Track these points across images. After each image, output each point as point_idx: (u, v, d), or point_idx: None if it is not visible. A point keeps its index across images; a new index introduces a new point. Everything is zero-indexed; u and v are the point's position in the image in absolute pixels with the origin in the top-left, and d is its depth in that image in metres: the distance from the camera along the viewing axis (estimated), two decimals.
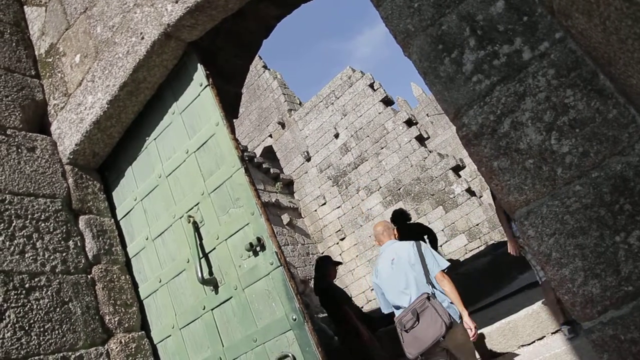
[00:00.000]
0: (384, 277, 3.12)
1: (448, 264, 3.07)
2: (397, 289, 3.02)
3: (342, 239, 14.30)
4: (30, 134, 2.99)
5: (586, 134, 1.38)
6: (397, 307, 3.04)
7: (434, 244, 6.25)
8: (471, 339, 2.91)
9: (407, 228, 5.88)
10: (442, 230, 12.39)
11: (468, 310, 3.00)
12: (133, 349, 2.68)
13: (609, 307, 1.32)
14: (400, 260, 3.07)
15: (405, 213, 5.75)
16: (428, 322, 2.80)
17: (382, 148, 13.71)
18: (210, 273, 2.56)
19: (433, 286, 2.95)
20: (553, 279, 1.42)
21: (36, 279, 2.50)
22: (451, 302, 2.93)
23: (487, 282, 6.67)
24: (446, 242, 12.32)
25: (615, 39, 1.05)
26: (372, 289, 12.94)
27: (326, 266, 4.72)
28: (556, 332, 3.77)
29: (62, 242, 2.73)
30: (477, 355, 3.02)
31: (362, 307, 12.32)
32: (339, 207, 14.44)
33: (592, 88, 1.39)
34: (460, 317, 2.92)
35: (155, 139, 2.94)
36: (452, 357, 3.01)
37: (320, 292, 4.74)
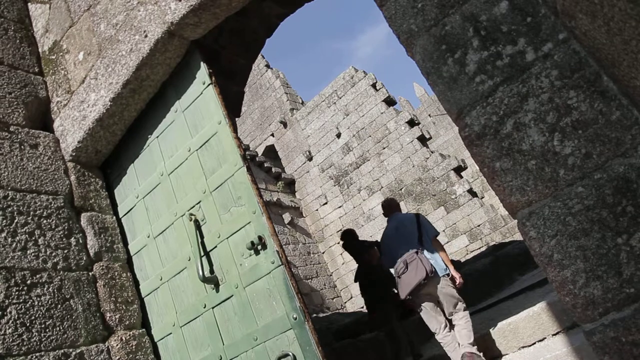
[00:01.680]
0: (389, 239, 3.95)
1: (439, 232, 3.98)
2: (397, 247, 3.81)
3: None
4: (33, 130, 3.00)
5: (589, 135, 1.38)
6: (397, 259, 3.78)
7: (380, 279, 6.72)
8: (457, 285, 3.72)
9: (355, 245, 6.37)
10: (444, 230, 12.37)
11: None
12: (134, 347, 2.69)
13: (610, 309, 1.32)
14: (402, 227, 3.90)
15: (355, 234, 6.21)
16: (414, 270, 3.59)
17: (384, 148, 13.71)
18: (212, 271, 2.57)
19: (422, 246, 3.73)
20: (554, 281, 1.42)
21: (38, 276, 2.50)
22: (442, 262, 3.74)
23: (488, 283, 6.66)
24: (447, 242, 12.30)
25: (619, 40, 1.05)
26: None
27: (352, 236, 5.23)
28: (557, 333, 3.76)
29: (64, 239, 2.74)
30: (464, 306, 3.71)
31: (361, 308, 12.34)
32: (340, 206, 14.44)
33: (595, 89, 1.38)
34: (447, 272, 3.70)
35: (157, 137, 2.95)
36: (440, 304, 3.75)
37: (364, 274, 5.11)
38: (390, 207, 4.29)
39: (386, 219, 4.27)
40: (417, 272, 3.57)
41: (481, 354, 3.55)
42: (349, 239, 6.49)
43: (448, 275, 3.71)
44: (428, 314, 3.74)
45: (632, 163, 1.31)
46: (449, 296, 3.67)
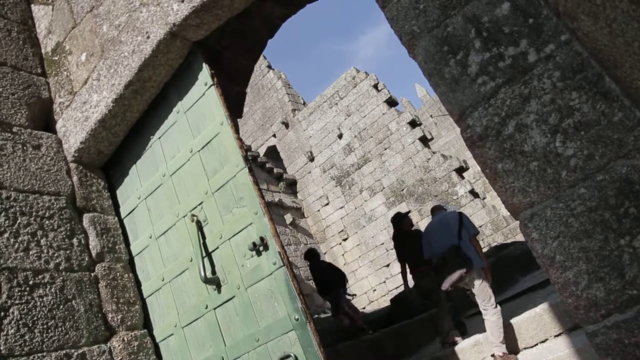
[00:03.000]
0: (432, 231, 4.43)
1: (478, 231, 4.39)
2: (437, 240, 4.27)
3: (344, 240, 14.29)
4: (36, 131, 3.00)
5: (591, 136, 1.38)
6: (436, 252, 4.25)
7: (344, 281, 7.24)
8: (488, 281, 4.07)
9: (319, 265, 7.18)
10: None
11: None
12: (135, 347, 2.69)
13: (613, 310, 1.32)
14: (445, 222, 4.34)
15: (317, 253, 7.18)
16: (455, 264, 3.98)
17: (386, 149, 13.70)
18: (213, 272, 2.57)
19: (461, 241, 4.08)
20: (557, 282, 1.42)
21: (40, 276, 2.51)
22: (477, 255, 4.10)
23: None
24: None
25: (622, 41, 1.05)
26: (375, 290, 12.85)
27: (400, 221, 5.55)
28: (559, 335, 3.75)
29: (66, 240, 2.75)
30: (495, 302, 3.98)
31: (363, 308, 12.33)
32: (342, 207, 14.43)
33: (597, 91, 1.38)
34: (482, 267, 4.04)
35: (159, 138, 2.95)
36: (473, 296, 4.12)
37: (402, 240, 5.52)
38: (436, 207, 4.93)
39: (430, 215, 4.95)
40: (458, 266, 3.96)
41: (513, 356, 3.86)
42: (314, 259, 7.14)
43: (483, 269, 4.08)
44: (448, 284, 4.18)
45: (635, 164, 1.31)
46: (483, 291, 4.02)
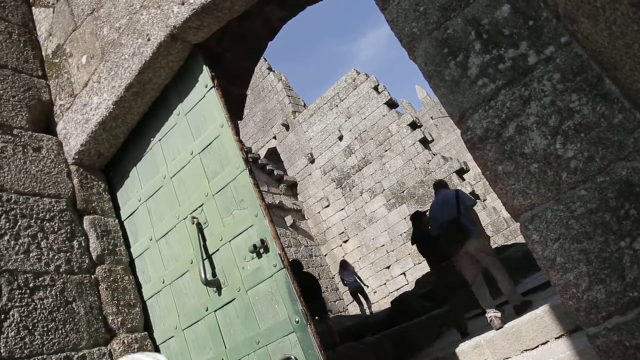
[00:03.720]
0: (435, 209, 4.90)
1: (475, 202, 4.91)
2: (441, 216, 4.77)
3: (345, 241, 14.29)
4: (36, 134, 3.01)
5: (591, 138, 1.38)
6: (442, 226, 4.74)
7: (318, 292, 7.60)
8: (487, 243, 4.68)
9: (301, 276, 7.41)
10: None
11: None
12: (136, 350, 2.68)
13: (613, 312, 1.31)
14: (445, 200, 4.83)
15: (301, 264, 7.64)
16: (454, 234, 4.55)
17: (386, 151, 13.71)
18: (214, 274, 2.57)
19: (461, 214, 4.59)
20: (557, 284, 1.42)
21: (40, 279, 2.51)
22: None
23: (490, 285, 6.66)
24: None
25: (622, 43, 1.05)
26: (375, 292, 12.82)
27: (419, 218, 5.73)
28: (560, 337, 3.75)
29: (67, 242, 2.75)
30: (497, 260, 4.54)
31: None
32: (342, 209, 14.43)
33: (597, 92, 1.38)
34: (480, 234, 4.58)
35: (160, 140, 2.95)
36: (474, 258, 4.59)
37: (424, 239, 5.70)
38: (439, 185, 5.30)
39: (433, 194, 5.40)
40: (456, 235, 4.54)
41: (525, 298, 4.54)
42: (298, 269, 7.39)
43: (481, 235, 4.62)
44: (465, 267, 4.65)
45: (635, 166, 1.31)
46: (484, 252, 4.59)
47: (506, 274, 4.58)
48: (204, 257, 2.57)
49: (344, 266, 11.04)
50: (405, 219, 13.11)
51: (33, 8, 3.56)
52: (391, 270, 13.25)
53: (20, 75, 3.13)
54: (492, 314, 4.31)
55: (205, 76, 2.70)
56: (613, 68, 1.26)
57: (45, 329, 2.39)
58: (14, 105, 2.95)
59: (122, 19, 2.86)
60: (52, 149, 3.02)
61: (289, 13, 3.53)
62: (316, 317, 7.08)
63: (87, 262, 2.79)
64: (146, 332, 2.84)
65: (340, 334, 7.01)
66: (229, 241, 2.53)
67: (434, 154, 13.25)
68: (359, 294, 10.77)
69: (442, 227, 4.74)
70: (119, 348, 2.61)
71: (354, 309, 13.06)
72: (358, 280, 10.94)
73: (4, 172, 2.65)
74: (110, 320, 2.69)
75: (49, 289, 2.51)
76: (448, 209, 4.75)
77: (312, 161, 15.24)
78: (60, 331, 2.44)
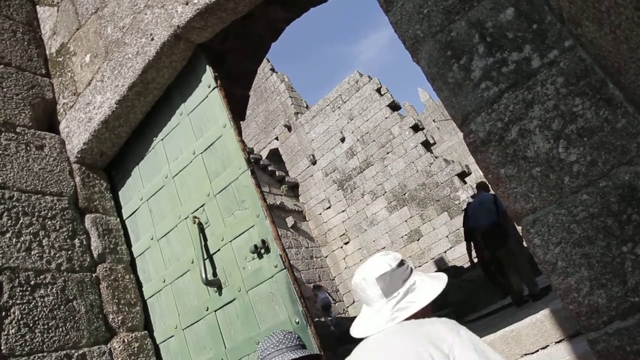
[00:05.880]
0: (474, 209, 5.50)
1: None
2: (479, 217, 5.37)
3: (346, 243, 14.27)
4: (39, 132, 3.01)
5: (594, 143, 1.37)
6: (478, 227, 5.37)
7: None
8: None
9: None
10: (447, 236, 12.33)
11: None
12: (136, 349, 2.69)
13: (614, 317, 1.31)
14: (484, 202, 5.40)
15: None
16: (496, 236, 5.12)
17: (388, 153, 13.69)
18: (215, 274, 2.57)
19: (498, 217, 5.13)
20: (558, 288, 1.41)
21: (41, 277, 2.51)
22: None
23: (491, 289, 6.64)
24: (450, 248, 12.26)
25: (626, 48, 1.04)
26: None
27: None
28: (560, 341, 3.74)
29: (68, 240, 2.75)
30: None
31: None
32: (343, 211, 14.41)
33: (601, 97, 1.38)
34: (515, 234, 5.01)
35: (162, 140, 2.96)
36: (511, 251, 5.16)
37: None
38: (481, 186, 5.82)
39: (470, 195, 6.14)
40: (496, 237, 5.14)
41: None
42: None
43: (515, 235, 5.11)
44: (504, 259, 5.20)
45: (638, 171, 1.31)
46: (518, 257, 5.16)
47: (529, 267, 5.19)
48: (205, 257, 2.57)
49: (318, 288, 11.82)
50: (406, 221, 13.09)
51: (37, 7, 3.57)
52: None
53: (24, 73, 3.14)
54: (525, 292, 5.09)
55: (208, 76, 2.71)
56: (617, 72, 1.26)
57: (45, 326, 2.39)
58: (17, 103, 2.96)
59: (126, 18, 2.86)
60: (55, 147, 3.03)
61: (293, 14, 3.53)
62: None
63: (88, 260, 2.79)
64: (146, 332, 2.84)
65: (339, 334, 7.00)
66: (230, 241, 2.53)
67: (436, 157, 13.24)
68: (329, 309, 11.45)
69: (485, 229, 5.29)
70: (119, 347, 2.61)
71: (354, 311, 13.05)
72: (329, 297, 11.77)
73: (6, 169, 2.65)
74: (110, 319, 2.69)
75: (50, 286, 2.52)
76: (487, 212, 5.33)
77: (314, 162, 15.23)
78: (60, 329, 2.45)
